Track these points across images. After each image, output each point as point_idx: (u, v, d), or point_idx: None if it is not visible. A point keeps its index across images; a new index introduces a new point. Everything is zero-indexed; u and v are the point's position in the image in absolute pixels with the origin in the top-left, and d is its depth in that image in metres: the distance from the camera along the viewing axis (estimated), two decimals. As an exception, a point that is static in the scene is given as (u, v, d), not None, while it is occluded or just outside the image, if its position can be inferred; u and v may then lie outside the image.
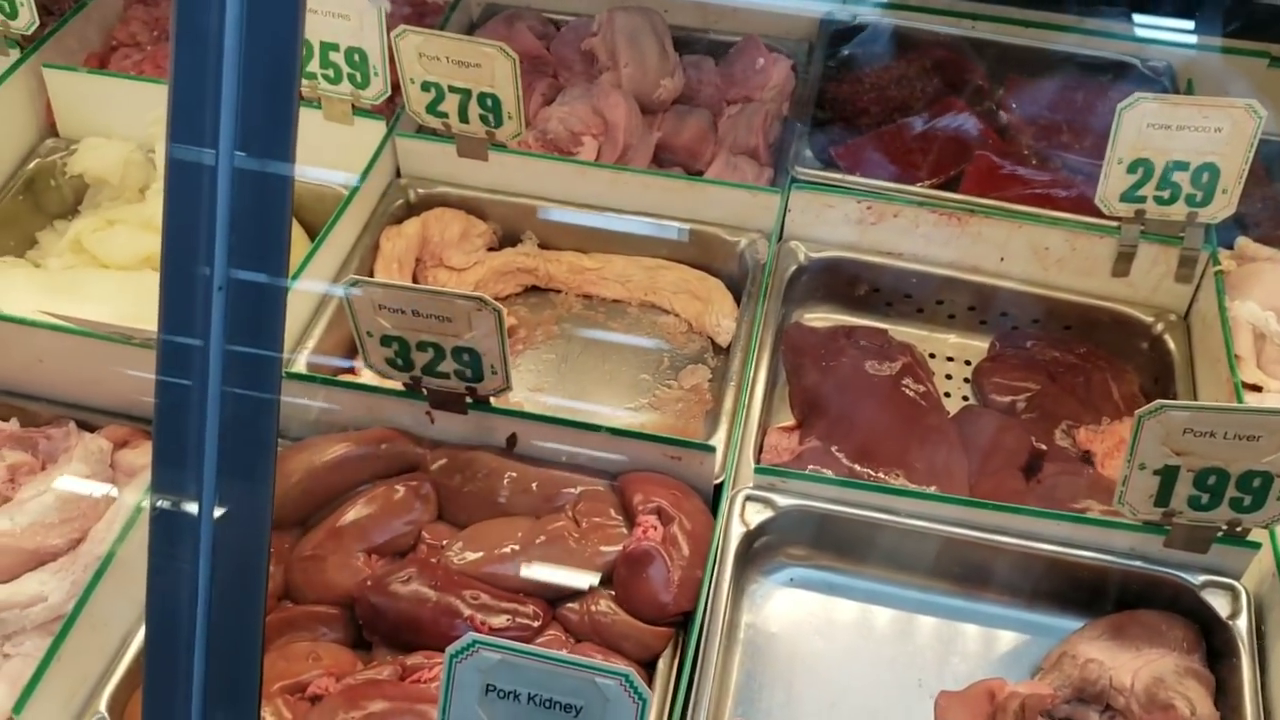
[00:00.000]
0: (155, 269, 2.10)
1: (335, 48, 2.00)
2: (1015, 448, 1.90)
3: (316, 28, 1.98)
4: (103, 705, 1.45)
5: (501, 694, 1.18)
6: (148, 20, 2.39)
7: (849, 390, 1.94)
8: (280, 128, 1.10)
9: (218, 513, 1.13)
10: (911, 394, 1.95)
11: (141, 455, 1.79)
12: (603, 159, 2.13)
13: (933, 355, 2.08)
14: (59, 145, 2.25)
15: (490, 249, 2.14)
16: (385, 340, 1.56)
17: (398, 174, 2.17)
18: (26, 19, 2.13)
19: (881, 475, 1.79)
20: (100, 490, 1.71)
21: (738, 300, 2.04)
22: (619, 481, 1.67)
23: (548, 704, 1.17)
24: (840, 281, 2.08)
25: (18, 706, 1.34)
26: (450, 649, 1.17)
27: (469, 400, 1.65)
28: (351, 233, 2.04)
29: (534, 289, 2.13)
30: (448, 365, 1.59)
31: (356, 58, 2.00)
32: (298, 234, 2.22)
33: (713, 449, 1.63)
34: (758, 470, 1.64)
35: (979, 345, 2.09)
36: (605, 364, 2.02)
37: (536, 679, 1.16)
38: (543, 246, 2.14)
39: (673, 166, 2.22)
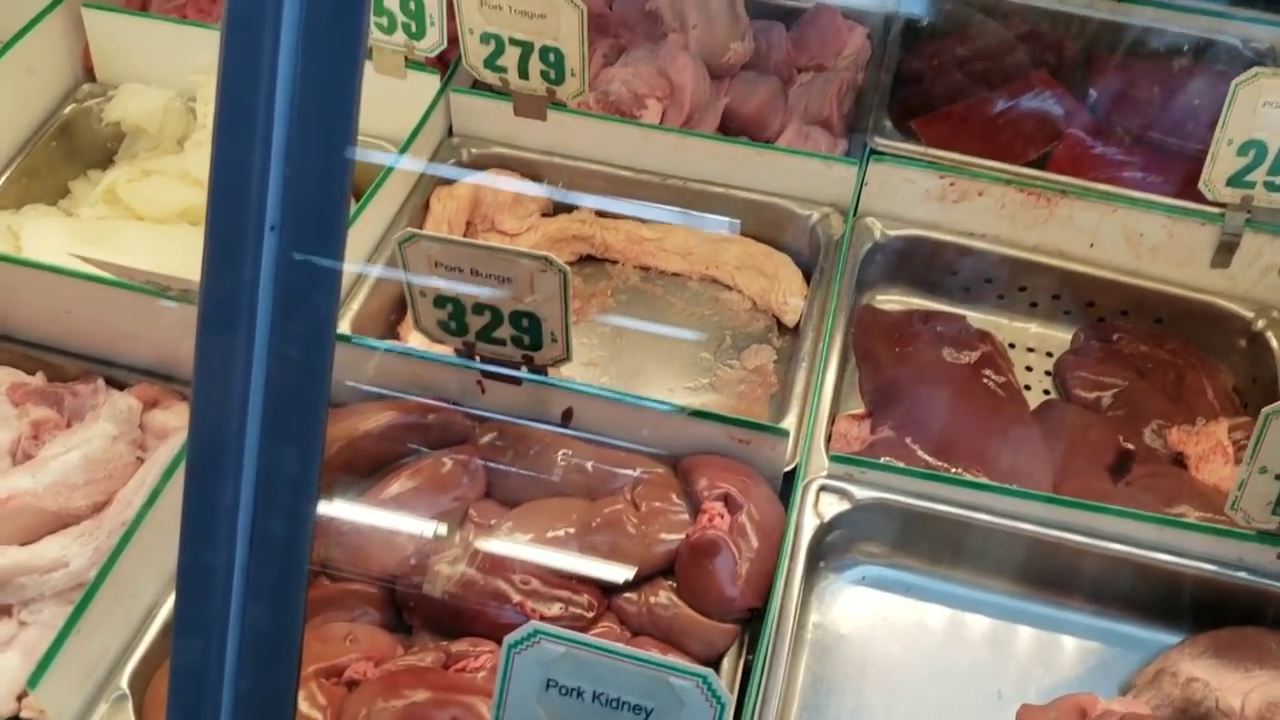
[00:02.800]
0: (192, 223, 2.01)
1: (391, -7, 1.88)
2: (1102, 446, 1.77)
3: (372, -28, 1.86)
4: (124, 682, 1.34)
5: (564, 690, 1.06)
6: (191, -36, 2.28)
7: (925, 379, 1.81)
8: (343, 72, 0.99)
9: (259, 483, 1.02)
10: (992, 385, 1.82)
11: (174, 417, 1.68)
12: (667, 122, 2.00)
13: (1012, 345, 1.95)
14: (96, 91, 2.15)
15: (544, 214, 2.02)
16: (439, 301, 1.45)
17: (450, 132, 2.05)
18: (68, -44, 2.03)
19: (960, 470, 1.66)
20: (128, 452, 1.60)
21: (806, 278, 1.91)
22: (682, 465, 1.55)
23: (614, 704, 1.06)
24: (916, 262, 1.95)
25: (33, 680, 1.23)
26: (510, 639, 1.06)
27: (524, 370, 1.53)
28: (400, 193, 1.93)
29: (589, 258, 2.01)
30: (504, 331, 1.47)
31: (413, 6, 1.89)
32: (343, 194, 2.11)
33: (785, 433, 1.51)
34: (834, 459, 1.52)
35: (1061, 336, 1.96)
36: (663, 340, 1.90)
37: (603, 676, 1.05)
38: (600, 214, 2.02)
39: (738, 135, 2.09)
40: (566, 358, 1.48)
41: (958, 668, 1.52)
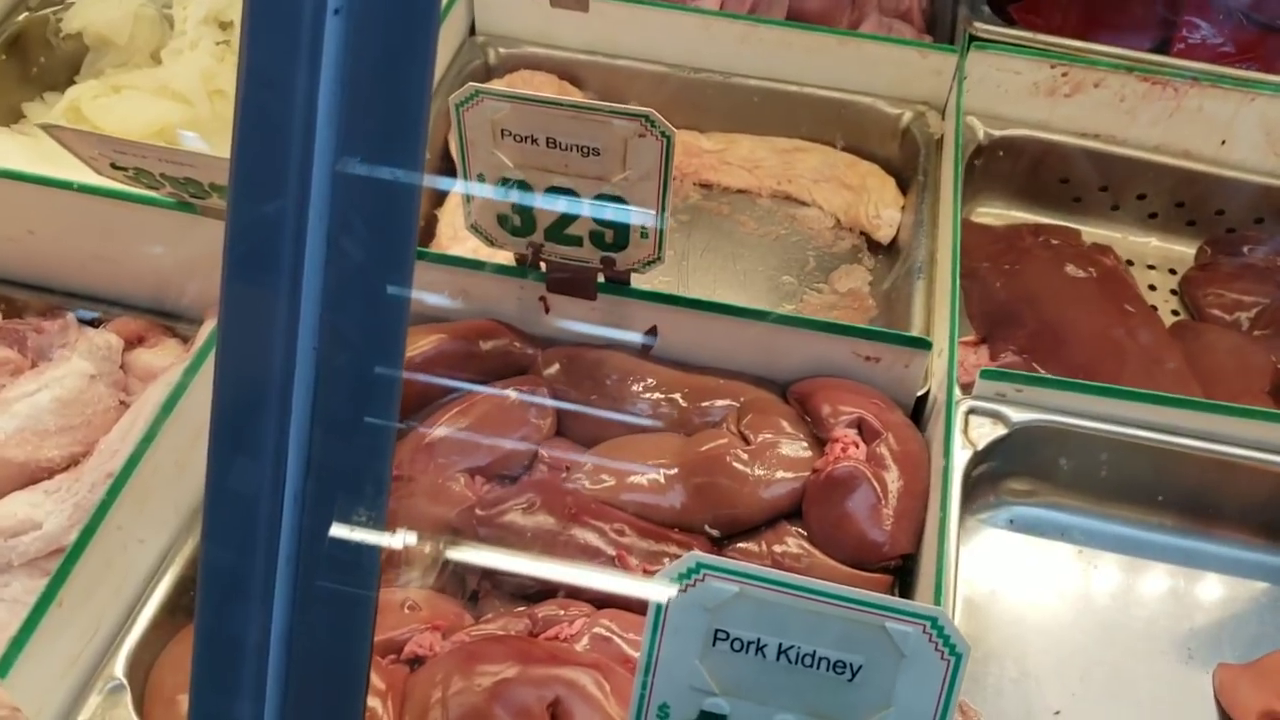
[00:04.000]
0: (171, 142, 1.70)
1: None
2: (1256, 370, 1.52)
3: None
4: (119, 669, 1.04)
5: (738, 645, 0.79)
6: None
7: (1046, 299, 1.55)
8: None
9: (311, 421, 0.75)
10: (1124, 304, 1.56)
11: (161, 355, 1.39)
12: (727, 9, 1.73)
13: (1130, 263, 1.70)
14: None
15: (586, 127, 1.74)
16: (503, 184, 1.16)
17: (472, 30, 1.77)
18: None
19: (1103, 396, 1.41)
20: (109, 395, 1.30)
21: (899, 187, 1.65)
22: (795, 390, 1.28)
23: (808, 660, 0.78)
24: (1021, 168, 1.69)
25: (2, 668, 0.93)
26: (665, 574, 0.78)
27: (600, 280, 1.25)
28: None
29: (640, 175, 1.73)
30: (583, 225, 1.19)
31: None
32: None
33: (928, 345, 1.24)
34: (985, 375, 1.25)
35: (1183, 251, 1.71)
36: (736, 264, 1.62)
37: (794, 623, 0.77)
38: (651, 124, 1.74)
39: (802, 36, 1.82)
40: (658, 258, 1.20)
41: (1134, 624, 1.26)
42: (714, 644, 0.79)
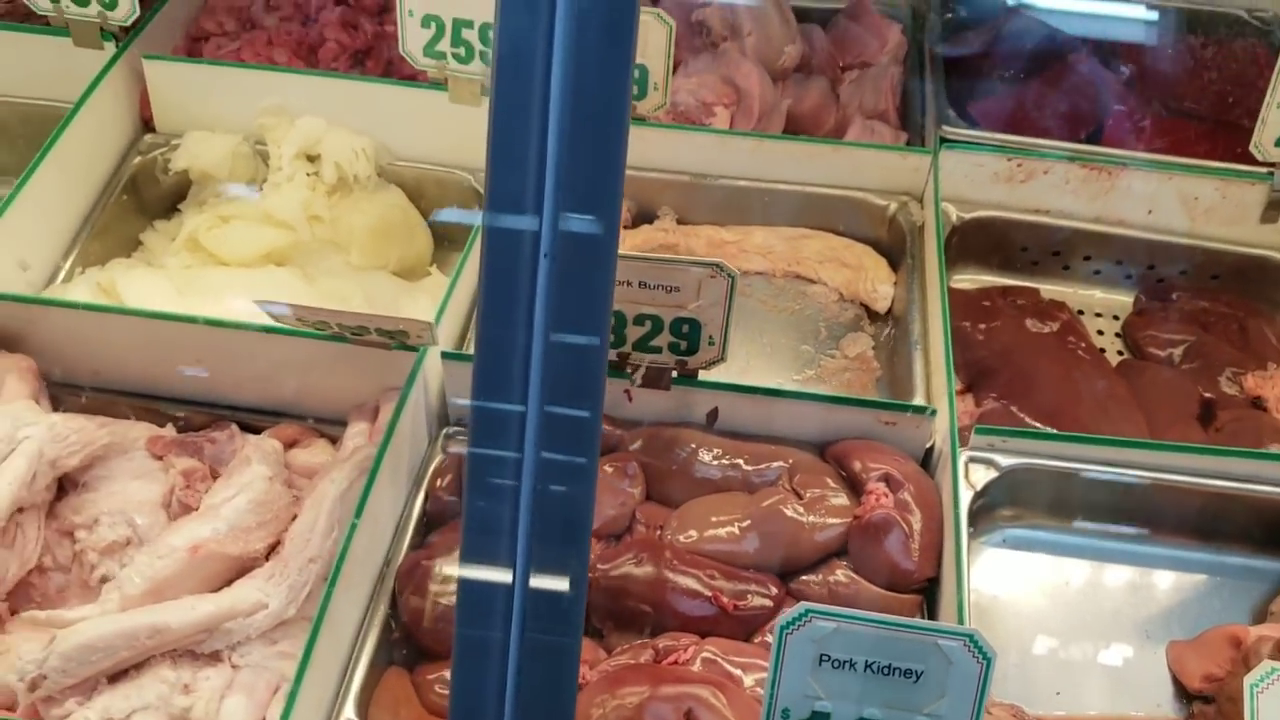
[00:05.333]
0: (277, 264, 2.03)
1: (469, 24, 1.92)
2: (1186, 398, 1.89)
3: (451, 3, 1.90)
4: (350, 709, 1.37)
5: (836, 664, 1.13)
6: (230, 8, 2.29)
7: (1016, 351, 1.92)
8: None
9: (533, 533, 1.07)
10: (1078, 351, 1.93)
11: (315, 454, 1.71)
12: (737, 128, 2.08)
13: (1080, 312, 2.07)
14: (158, 141, 2.15)
15: (625, 227, 2.08)
16: (604, 315, 1.50)
17: (525, 154, 2.09)
18: (126, 10, 2.02)
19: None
20: (284, 492, 1.62)
21: (892, 264, 2.01)
22: (831, 450, 1.63)
23: (885, 670, 1.13)
24: (988, 241, 2.06)
25: (284, 716, 1.26)
26: (781, 620, 1.12)
27: (675, 375, 1.60)
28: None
29: (675, 265, 2.08)
30: (663, 339, 1.54)
31: (491, 34, 1.93)
32: (416, 221, 2.15)
33: (933, 412, 1.60)
34: (979, 431, 1.61)
35: (1124, 299, 2.09)
36: (762, 336, 1.97)
37: (874, 646, 1.12)
38: (679, 222, 2.09)
39: (795, 135, 2.18)
40: (722, 358, 1.55)
41: (1104, 614, 1.63)
42: (819, 664, 1.14)
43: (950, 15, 2.34)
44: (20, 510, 1.55)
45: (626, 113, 1.00)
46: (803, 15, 2.35)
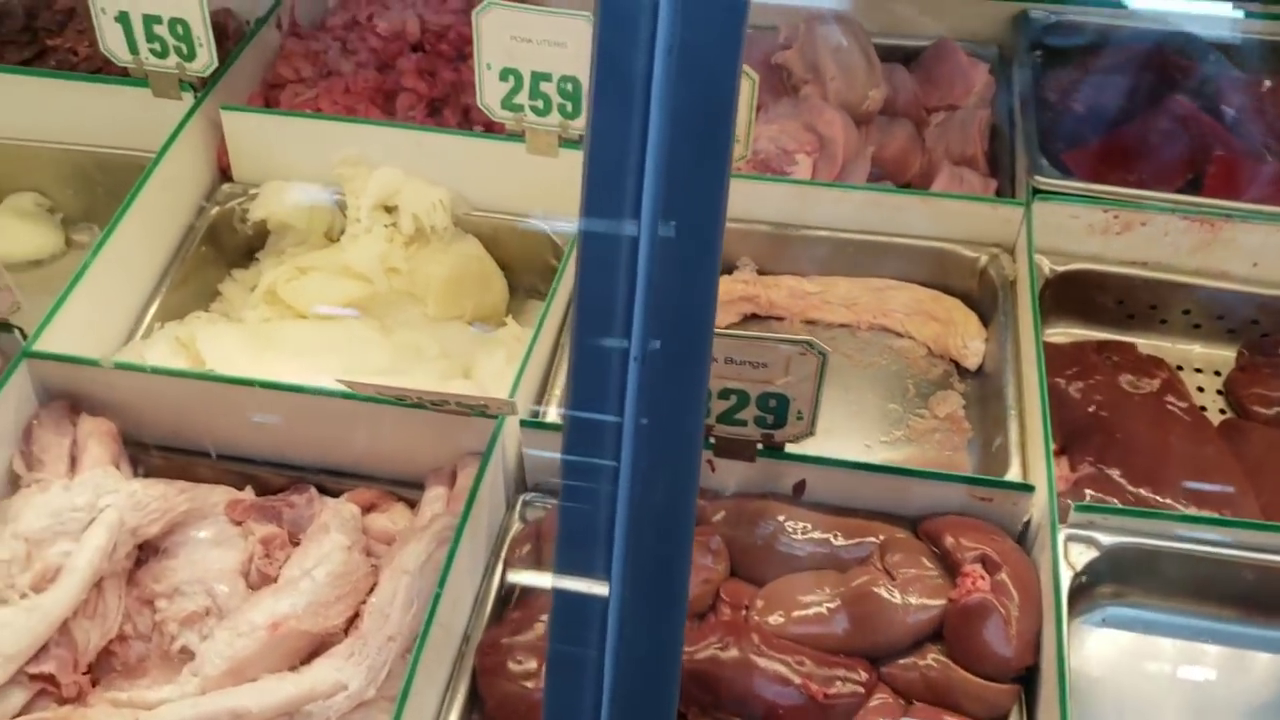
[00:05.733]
0: (355, 315, 2.01)
1: (547, 77, 1.89)
2: (1297, 463, 1.80)
3: (529, 57, 1.87)
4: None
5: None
6: (307, 54, 2.29)
7: (1112, 411, 1.84)
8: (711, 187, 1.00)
9: (625, 599, 1.04)
10: (1177, 411, 1.85)
11: (393, 519, 1.69)
12: (819, 176, 2.02)
13: (1179, 367, 1.98)
14: (235, 190, 2.14)
15: (705, 278, 2.03)
16: (689, 391, 1.46)
17: (602, 206, 2.06)
18: (205, 60, 2.02)
19: (1170, 502, 1.70)
20: (363, 561, 1.60)
21: (982, 319, 1.94)
22: (924, 527, 1.57)
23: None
24: (1081, 295, 1.98)
25: (367, 813, 1.24)
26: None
27: (760, 447, 1.55)
28: (568, 275, 1.94)
29: (754, 317, 2.03)
30: (749, 412, 1.49)
31: (570, 87, 1.90)
32: (492, 271, 2.12)
33: (1031, 489, 1.53)
34: (1078, 508, 1.54)
35: (1224, 354, 2.00)
36: (847, 393, 1.91)
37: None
38: (760, 273, 2.04)
39: (880, 180, 2.12)
40: (810, 433, 1.50)
41: (1211, 699, 1.55)
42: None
43: (1040, 55, 2.26)
44: (101, 579, 1.55)
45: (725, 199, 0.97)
46: (885, 54, 2.29)
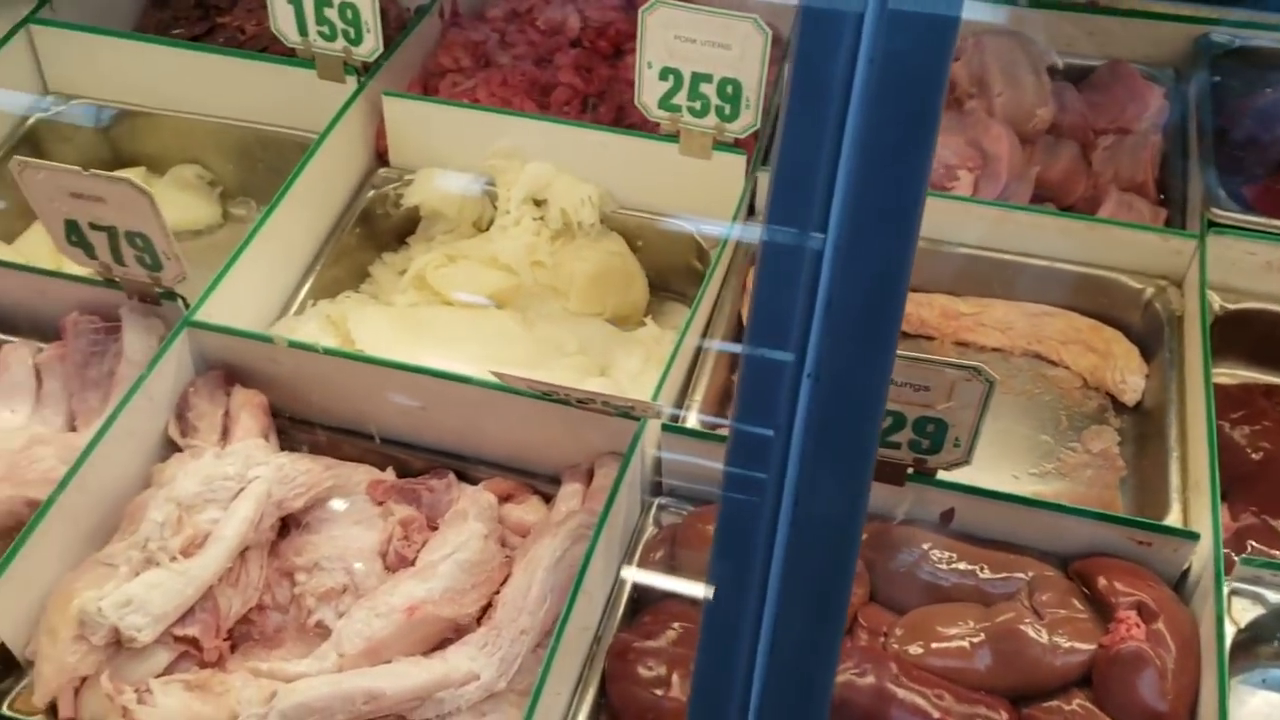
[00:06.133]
0: (499, 305, 2.02)
1: (708, 79, 1.87)
2: None
3: (691, 57, 1.86)
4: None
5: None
6: (466, 44, 2.30)
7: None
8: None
9: (781, 615, 1.01)
10: (1353, 464, 1.74)
11: (528, 511, 1.69)
12: (981, 194, 1.96)
13: (1355, 419, 1.87)
14: (391, 175, 2.18)
15: (852, 291, 1.99)
16: (844, 408, 1.42)
17: (750, 211, 2.04)
18: (371, 45, 2.06)
19: (1341, 560, 1.60)
20: (498, 551, 1.61)
21: (1144, 354, 1.86)
22: (1077, 567, 1.51)
23: None
24: (1253, 335, 1.88)
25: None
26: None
27: (911, 472, 1.50)
28: (715, 280, 1.91)
29: (904, 335, 1.98)
30: (903, 435, 1.45)
31: (730, 90, 1.88)
32: (635, 270, 2.11)
33: (1196, 536, 1.46)
34: (1244, 561, 1.46)
35: (1407, 408, 1.87)
36: (997, 421, 1.85)
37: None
38: (912, 289, 1.99)
39: (1042, 201, 2.04)
40: (966, 461, 1.45)
41: (1378, 778, 1.45)
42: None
43: (1219, 80, 2.16)
44: (245, 549, 1.58)
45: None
46: (1052, 71, 2.21)
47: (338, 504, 1.67)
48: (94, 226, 1.64)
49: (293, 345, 1.71)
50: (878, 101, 0.93)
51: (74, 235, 1.67)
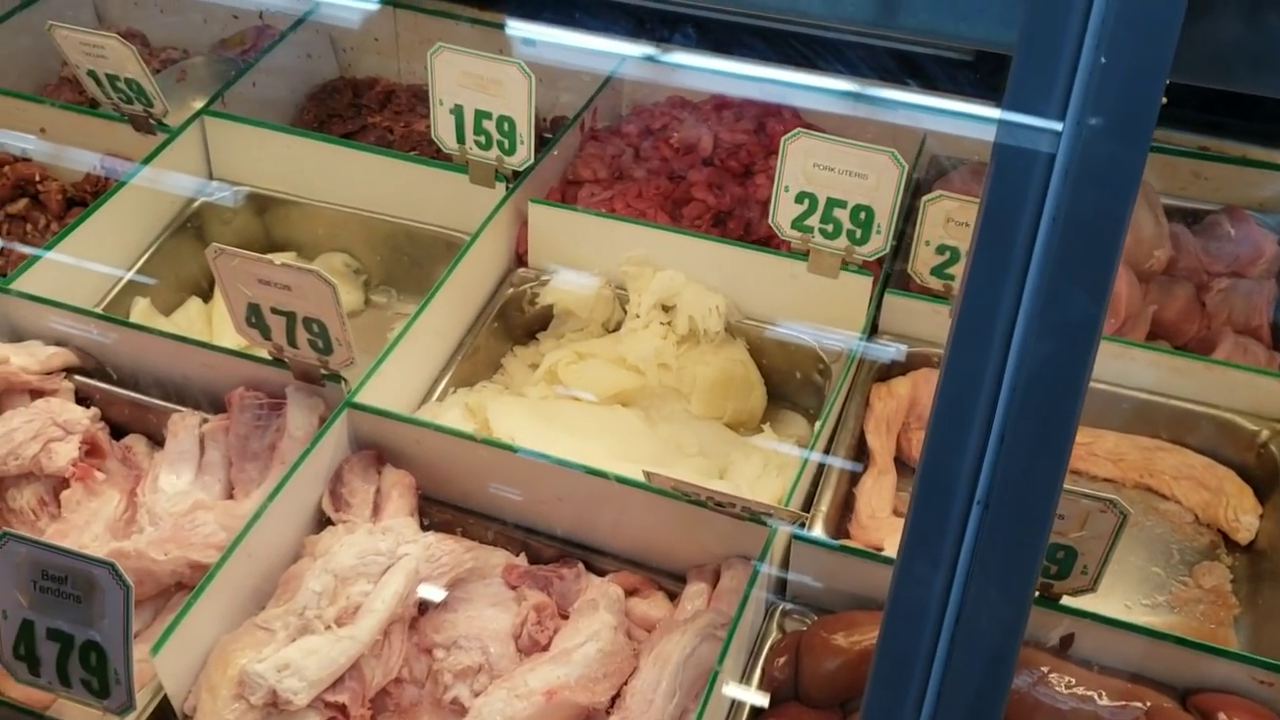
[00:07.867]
0: (624, 404, 2.12)
1: (842, 204, 1.99)
2: None
3: (827, 184, 1.97)
4: None
5: None
6: (603, 157, 2.45)
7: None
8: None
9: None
10: None
11: (654, 607, 1.76)
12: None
13: None
14: (529, 275, 2.30)
15: (968, 414, 2.06)
16: (977, 529, 1.49)
17: (874, 328, 2.13)
18: (523, 155, 2.20)
19: None
20: (627, 643, 1.68)
21: (1258, 494, 1.90)
22: (1196, 700, 1.54)
23: None
24: (1366, 482, 1.92)
25: None
26: None
27: (1037, 596, 1.56)
28: (840, 395, 2.00)
29: (1015, 460, 2.04)
30: (1032, 559, 1.50)
31: (863, 215, 1.99)
32: (755, 378, 2.21)
33: (1318, 680, 1.49)
34: (1368, 709, 1.49)
35: None
36: (1108, 550, 1.90)
37: None
38: (1026, 416, 2.06)
39: (1156, 339, 2.11)
40: (1092, 589, 1.50)
41: None
42: None
43: (1332, 230, 2.23)
44: (391, 622, 1.67)
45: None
46: (1167, 213, 2.29)
47: (476, 586, 1.76)
48: (275, 311, 1.77)
49: (443, 430, 1.82)
50: (1059, 258, 1.03)
51: (253, 318, 1.80)
